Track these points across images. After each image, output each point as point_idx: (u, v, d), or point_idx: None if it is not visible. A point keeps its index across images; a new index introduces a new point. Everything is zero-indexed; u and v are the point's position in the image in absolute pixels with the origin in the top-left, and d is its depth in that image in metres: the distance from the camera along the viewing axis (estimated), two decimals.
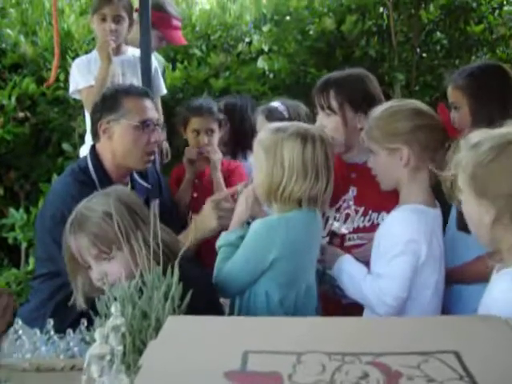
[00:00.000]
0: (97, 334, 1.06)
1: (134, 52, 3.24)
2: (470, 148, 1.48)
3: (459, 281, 2.08)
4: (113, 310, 1.18)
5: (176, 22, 3.59)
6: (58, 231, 2.22)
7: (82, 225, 1.79)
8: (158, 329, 1.28)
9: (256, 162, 1.96)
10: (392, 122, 1.95)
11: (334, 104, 2.26)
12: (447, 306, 2.03)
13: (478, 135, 1.50)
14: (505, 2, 4.16)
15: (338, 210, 2.28)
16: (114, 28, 3.07)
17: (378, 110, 2.02)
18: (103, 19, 3.06)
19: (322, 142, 1.92)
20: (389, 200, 2.09)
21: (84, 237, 1.78)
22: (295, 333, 1.11)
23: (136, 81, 3.06)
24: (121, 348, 1.12)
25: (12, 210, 3.81)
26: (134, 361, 1.28)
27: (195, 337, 1.11)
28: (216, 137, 3.06)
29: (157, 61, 3.65)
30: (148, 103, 2.40)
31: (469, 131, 2.16)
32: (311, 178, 1.88)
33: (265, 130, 1.98)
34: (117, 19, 3.07)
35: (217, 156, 2.95)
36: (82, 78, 3.08)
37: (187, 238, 2.16)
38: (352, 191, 2.27)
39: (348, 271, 1.98)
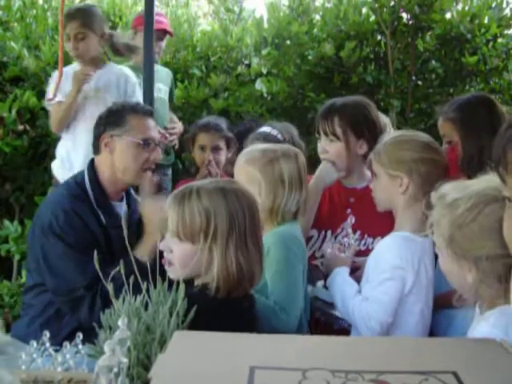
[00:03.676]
0: (106, 346, 1.09)
1: (115, 68, 3.24)
2: (445, 206, 1.44)
3: (449, 305, 2.10)
4: (120, 323, 1.20)
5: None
6: (45, 241, 2.24)
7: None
8: (162, 343, 1.31)
9: (250, 185, 1.89)
10: (399, 150, 2.00)
11: (339, 130, 2.30)
12: (438, 330, 2.04)
13: (452, 191, 1.46)
14: (498, 35, 4.26)
15: (335, 236, 2.31)
16: (76, 46, 3.07)
17: (388, 136, 2.09)
18: (68, 39, 3.08)
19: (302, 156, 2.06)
20: (385, 225, 2.12)
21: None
22: (300, 350, 1.14)
23: (109, 97, 3.04)
24: (126, 361, 1.14)
25: (6, 222, 3.81)
26: (137, 374, 1.30)
27: (203, 352, 1.13)
28: (223, 155, 3.07)
29: (165, 73, 3.72)
30: (151, 123, 2.44)
31: (461, 163, 2.26)
32: (304, 189, 1.99)
33: (249, 153, 2.03)
34: (80, 36, 3.07)
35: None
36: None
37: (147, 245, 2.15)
38: (350, 219, 2.30)
39: (340, 286, 2.02)
